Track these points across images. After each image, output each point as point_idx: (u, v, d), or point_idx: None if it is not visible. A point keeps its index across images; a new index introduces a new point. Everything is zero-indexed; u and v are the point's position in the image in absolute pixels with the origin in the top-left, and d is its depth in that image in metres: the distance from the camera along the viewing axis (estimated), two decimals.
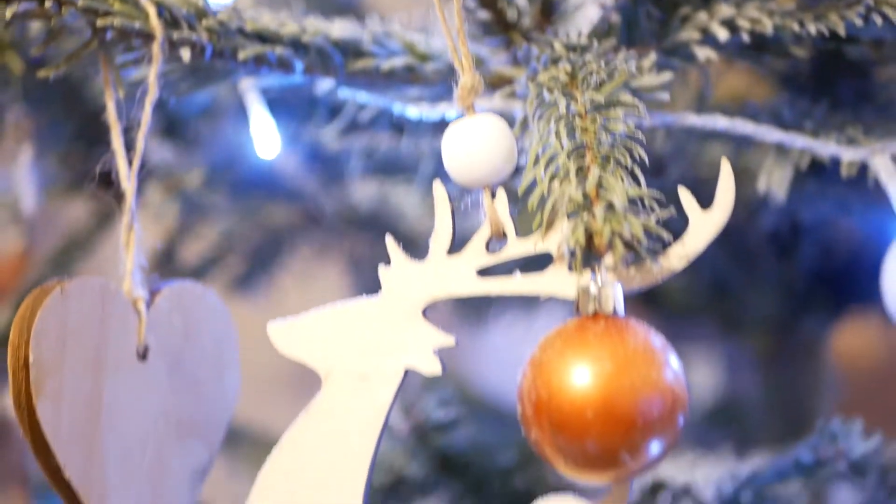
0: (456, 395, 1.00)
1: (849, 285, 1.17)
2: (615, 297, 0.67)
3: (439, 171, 0.73)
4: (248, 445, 1.21)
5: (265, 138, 0.93)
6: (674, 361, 0.66)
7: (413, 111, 0.84)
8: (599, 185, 0.66)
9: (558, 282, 0.69)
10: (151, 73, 0.75)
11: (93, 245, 1.16)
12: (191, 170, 1.09)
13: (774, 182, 0.86)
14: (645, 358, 0.65)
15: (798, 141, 0.82)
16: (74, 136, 1.08)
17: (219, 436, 0.80)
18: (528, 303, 1.20)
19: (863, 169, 0.82)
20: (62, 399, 0.71)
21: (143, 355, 0.76)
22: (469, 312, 1.22)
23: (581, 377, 0.65)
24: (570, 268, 0.69)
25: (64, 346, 0.72)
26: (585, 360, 0.65)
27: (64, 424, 0.71)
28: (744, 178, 0.90)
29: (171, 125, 1.10)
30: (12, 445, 1.15)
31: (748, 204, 1.04)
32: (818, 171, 0.88)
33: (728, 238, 1.13)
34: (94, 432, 0.73)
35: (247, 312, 0.99)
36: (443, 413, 0.96)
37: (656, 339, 0.67)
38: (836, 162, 0.83)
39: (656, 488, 0.94)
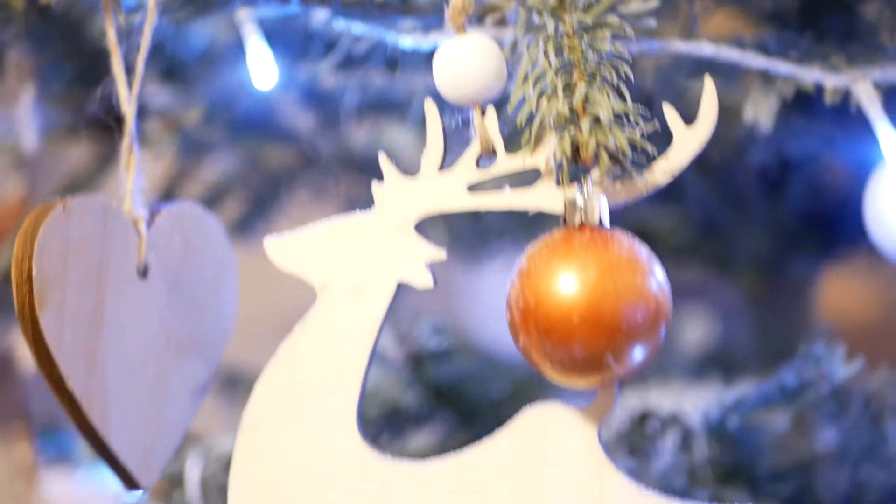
0: (449, 327, 1.02)
1: (838, 225, 1.19)
2: (601, 209, 0.69)
3: None
4: (245, 388, 1.22)
5: (262, 69, 0.95)
6: (658, 272, 0.68)
7: (406, 41, 0.85)
8: (586, 100, 0.68)
9: (546, 196, 0.71)
10: None
11: (93, 188, 1.18)
12: (189, 109, 1.10)
13: (761, 112, 0.87)
14: (629, 266, 0.67)
15: (782, 68, 0.84)
16: (75, 77, 1.09)
17: (218, 355, 0.82)
18: (523, 244, 1.22)
19: (846, 103, 0.84)
20: (64, 312, 0.73)
21: (143, 273, 0.78)
22: (464, 255, 1.24)
23: (567, 284, 0.67)
24: (557, 182, 0.71)
25: (66, 260, 0.73)
26: (571, 268, 0.67)
27: (66, 336, 0.73)
28: (731, 116, 0.92)
29: (170, 69, 1.11)
30: (15, 383, 1.17)
31: (736, 142, 1.06)
32: (804, 106, 0.89)
33: (717, 178, 1.16)
34: (96, 346, 0.75)
35: (244, 256, 1.00)
36: (436, 342, 0.98)
37: (641, 250, 0.69)
38: (820, 92, 0.84)
39: (645, 416, 0.96)
